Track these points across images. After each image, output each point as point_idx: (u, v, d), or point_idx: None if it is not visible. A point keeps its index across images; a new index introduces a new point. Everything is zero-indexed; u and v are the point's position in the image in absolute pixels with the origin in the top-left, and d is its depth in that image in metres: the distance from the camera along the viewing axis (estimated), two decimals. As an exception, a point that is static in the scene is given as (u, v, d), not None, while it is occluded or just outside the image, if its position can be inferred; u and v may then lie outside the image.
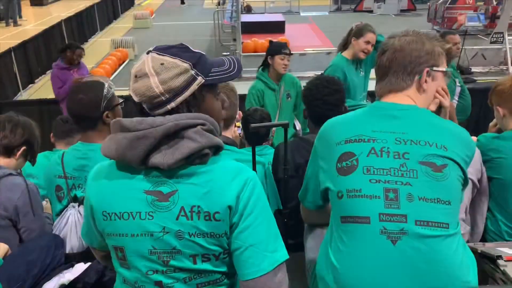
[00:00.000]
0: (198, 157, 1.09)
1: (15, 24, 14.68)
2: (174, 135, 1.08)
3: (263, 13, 15.91)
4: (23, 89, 8.41)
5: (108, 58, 9.96)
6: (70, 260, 1.86)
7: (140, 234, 1.11)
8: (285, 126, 2.11)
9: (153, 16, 16.53)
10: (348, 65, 3.54)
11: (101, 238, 1.24)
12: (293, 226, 2.12)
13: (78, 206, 1.93)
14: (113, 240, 1.16)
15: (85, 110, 1.86)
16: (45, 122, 5.37)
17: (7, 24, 14.62)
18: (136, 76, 1.11)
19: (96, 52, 11.60)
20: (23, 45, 8.76)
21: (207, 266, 1.13)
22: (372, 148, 1.34)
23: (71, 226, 1.91)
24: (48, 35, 10.11)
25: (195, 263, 1.11)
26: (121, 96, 2.06)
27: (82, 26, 12.57)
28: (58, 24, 10.90)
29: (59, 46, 10.49)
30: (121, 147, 1.08)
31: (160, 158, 1.07)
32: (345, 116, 1.50)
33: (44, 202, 2.09)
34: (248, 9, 15.88)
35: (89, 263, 1.76)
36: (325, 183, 1.43)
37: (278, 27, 12.63)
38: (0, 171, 1.79)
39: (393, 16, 15.58)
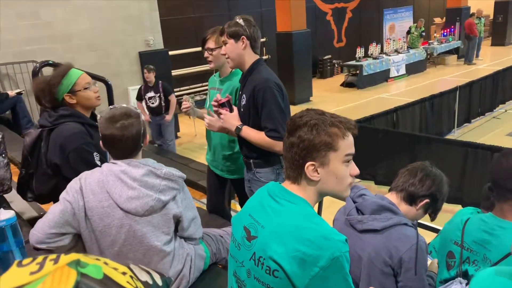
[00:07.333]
0: None
1: (470, 62, 14.94)
2: None
3: None
4: (457, 127, 8.48)
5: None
6: None
7: None
8: None
9: None
10: None
11: None
12: None
13: (466, 285, 1.64)
14: None
15: (500, 178, 1.54)
16: (467, 167, 5.17)
17: (465, 62, 15.07)
18: None
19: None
20: (470, 85, 8.80)
21: None
22: None
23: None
24: (498, 76, 9.73)
25: None
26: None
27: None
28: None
29: (507, 88, 9.99)
30: None
31: None
32: None
33: (429, 260, 1.90)
34: None
35: None
36: None
37: None
38: (397, 218, 1.75)
39: None
